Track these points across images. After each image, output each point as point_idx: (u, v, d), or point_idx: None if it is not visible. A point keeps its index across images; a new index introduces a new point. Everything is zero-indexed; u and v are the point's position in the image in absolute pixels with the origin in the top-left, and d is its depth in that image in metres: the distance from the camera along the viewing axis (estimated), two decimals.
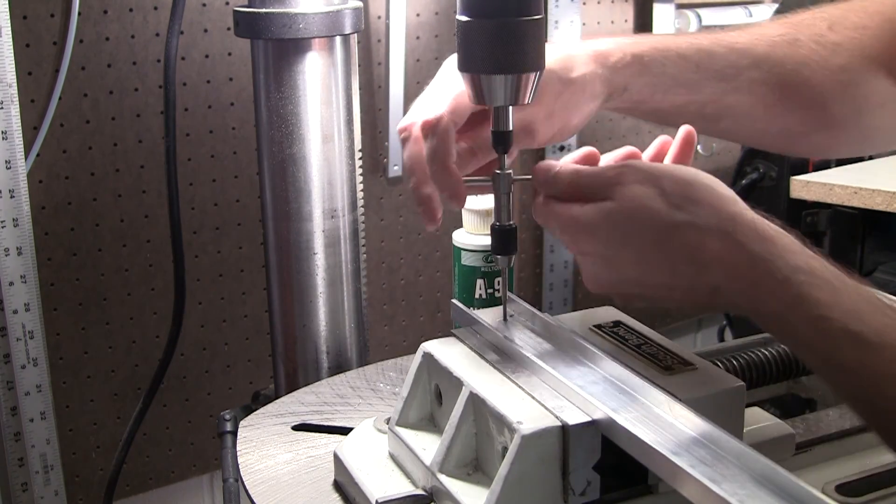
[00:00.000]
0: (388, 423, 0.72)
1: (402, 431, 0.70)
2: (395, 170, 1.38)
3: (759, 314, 0.61)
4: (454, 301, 0.79)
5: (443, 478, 0.64)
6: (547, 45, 0.73)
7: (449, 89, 0.74)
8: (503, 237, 0.73)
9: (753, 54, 0.82)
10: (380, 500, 0.65)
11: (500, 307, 0.75)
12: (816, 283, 0.59)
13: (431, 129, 0.72)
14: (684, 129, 0.75)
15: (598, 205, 0.64)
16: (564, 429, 0.60)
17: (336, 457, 0.73)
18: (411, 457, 0.68)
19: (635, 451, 0.57)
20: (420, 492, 0.66)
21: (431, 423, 0.71)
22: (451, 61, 0.74)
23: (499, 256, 0.74)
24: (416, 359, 0.72)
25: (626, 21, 1.57)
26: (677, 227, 0.61)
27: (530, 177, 0.72)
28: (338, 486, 0.73)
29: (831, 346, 0.58)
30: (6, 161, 1.08)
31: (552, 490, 0.60)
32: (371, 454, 0.72)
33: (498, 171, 0.72)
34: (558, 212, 0.67)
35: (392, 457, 0.72)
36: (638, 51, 0.78)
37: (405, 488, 0.67)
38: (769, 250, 0.60)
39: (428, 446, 0.67)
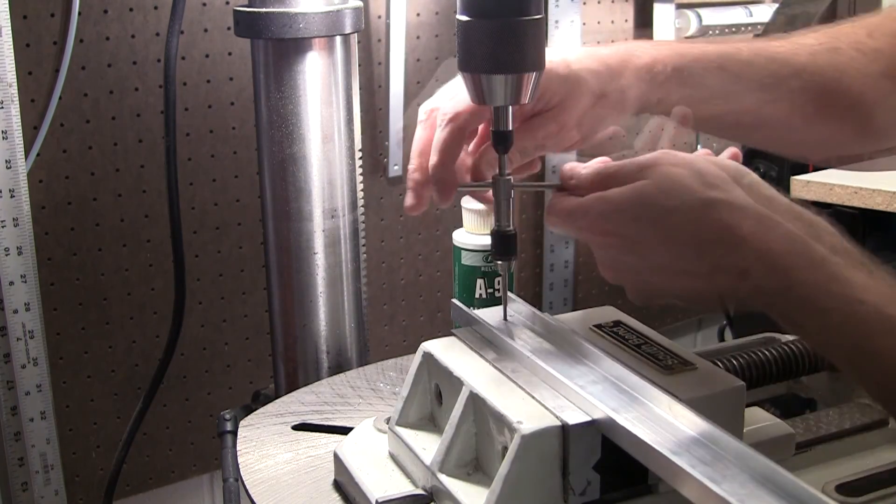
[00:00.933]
0: (388, 423, 0.72)
1: (402, 431, 0.70)
2: (395, 169, 1.38)
3: (790, 297, 0.60)
4: (454, 301, 0.79)
5: (443, 477, 0.64)
6: (584, 52, 0.73)
7: None
8: (503, 241, 0.73)
9: (794, 63, 0.80)
10: (380, 500, 0.65)
11: (500, 307, 0.75)
12: (853, 265, 0.59)
13: (448, 121, 0.72)
14: (679, 110, 0.75)
15: (632, 185, 0.64)
16: (564, 428, 0.60)
17: (336, 456, 0.73)
18: (411, 456, 0.68)
19: (635, 450, 0.57)
20: (420, 492, 0.66)
21: (431, 423, 0.71)
22: None
23: (499, 261, 0.74)
24: (416, 358, 0.72)
25: (626, 21, 1.57)
26: (712, 204, 0.61)
27: (530, 182, 0.72)
28: (338, 485, 0.73)
29: (864, 330, 0.57)
30: (6, 161, 1.08)
31: (552, 490, 0.60)
32: (371, 454, 0.72)
33: (498, 176, 0.72)
34: (583, 201, 0.66)
35: (392, 457, 0.72)
36: (679, 63, 0.77)
37: (405, 488, 0.67)
38: (806, 231, 0.60)
39: (428, 446, 0.67)
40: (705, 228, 0.61)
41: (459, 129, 0.72)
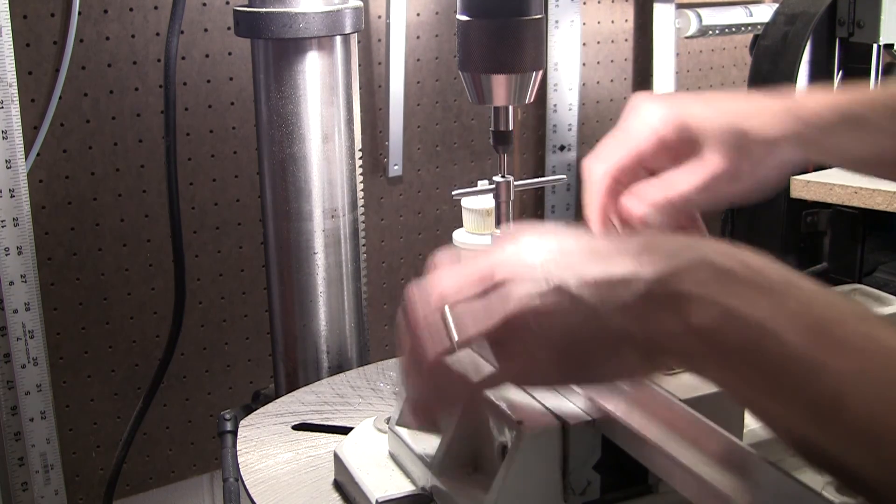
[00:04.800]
0: (388, 423, 0.72)
1: (402, 431, 0.70)
2: (395, 169, 1.38)
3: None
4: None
5: (443, 477, 0.64)
6: (746, 102, 0.72)
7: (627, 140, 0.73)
8: None
9: None
10: (380, 500, 0.65)
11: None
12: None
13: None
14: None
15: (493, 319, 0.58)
16: (565, 428, 0.60)
17: (336, 456, 0.73)
18: (411, 456, 0.68)
19: (635, 450, 0.57)
20: (420, 491, 0.66)
21: (431, 424, 0.71)
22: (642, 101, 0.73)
23: None
24: None
25: (626, 21, 1.57)
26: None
27: (532, 181, 0.72)
28: (338, 485, 0.73)
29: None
30: (6, 161, 1.08)
31: (552, 489, 0.60)
32: (371, 454, 0.72)
33: (499, 178, 0.72)
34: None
35: (392, 456, 0.71)
36: (846, 110, 0.73)
37: (405, 488, 0.67)
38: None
39: (428, 446, 0.67)
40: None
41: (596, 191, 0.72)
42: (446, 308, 0.59)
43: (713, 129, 0.72)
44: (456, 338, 0.58)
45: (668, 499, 0.61)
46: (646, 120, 0.73)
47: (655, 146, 0.72)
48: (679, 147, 0.73)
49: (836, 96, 0.75)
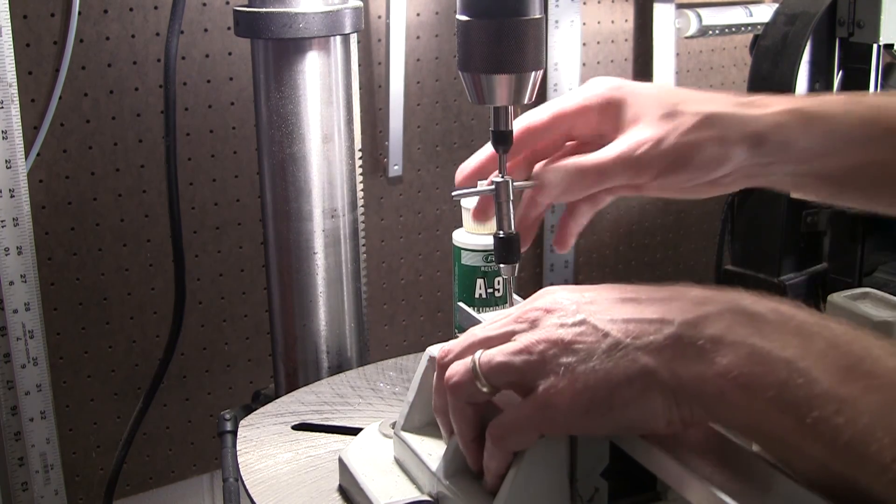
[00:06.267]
0: (393, 428, 0.72)
1: (407, 437, 0.69)
2: (395, 169, 1.38)
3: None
4: (461, 304, 0.78)
5: (449, 484, 0.63)
6: (700, 92, 0.70)
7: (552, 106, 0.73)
8: (506, 246, 0.73)
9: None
10: None
11: (505, 310, 0.74)
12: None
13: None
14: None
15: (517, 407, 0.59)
16: (572, 435, 0.59)
17: (341, 461, 0.72)
18: (417, 462, 0.67)
19: (643, 457, 0.57)
20: (426, 498, 0.65)
21: (437, 428, 0.69)
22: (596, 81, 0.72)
23: (502, 266, 0.73)
24: (422, 363, 0.70)
25: (626, 21, 1.57)
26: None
27: (533, 183, 0.72)
28: (342, 490, 0.72)
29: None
30: (6, 161, 1.08)
31: (560, 497, 0.60)
32: (376, 459, 0.71)
33: (499, 178, 0.72)
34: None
35: (398, 462, 0.70)
36: (796, 106, 0.70)
37: (411, 494, 0.66)
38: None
39: (434, 451, 0.66)
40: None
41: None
42: (478, 353, 0.59)
43: (646, 101, 0.70)
44: (484, 381, 0.58)
45: None
46: (582, 89, 0.72)
47: (577, 109, 0.71)
48: (606, 117, 0.71)
49: (795, 98, 0.73)
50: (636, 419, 0.54)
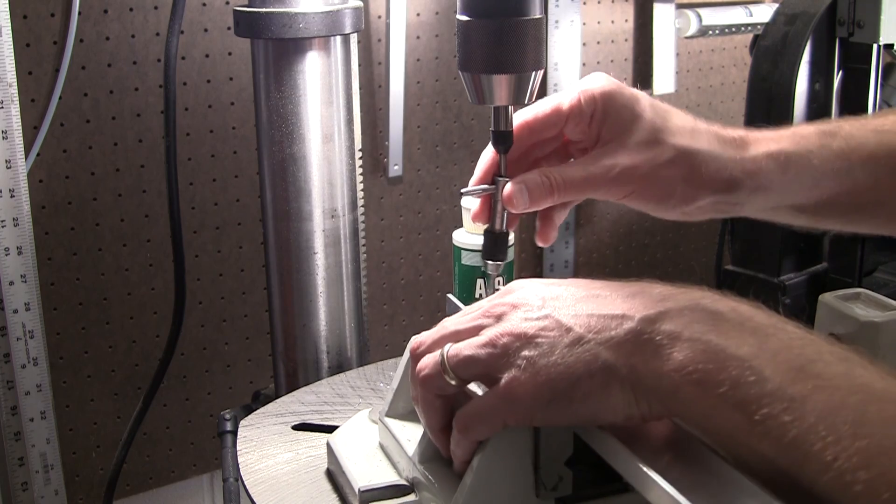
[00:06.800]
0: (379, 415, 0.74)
1: (390, 422, 0.71)
2: (395, 169, 1.38)
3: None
4: (449, 296, 0.79)
5: (423, 469, 0.65)
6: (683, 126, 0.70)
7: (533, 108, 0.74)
8: (494, 242, 0.74)
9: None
10: (362, 489, 0.66)
11: (478, 302, 0.75)
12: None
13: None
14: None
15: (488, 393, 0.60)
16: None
17: (328, 446, 0.74)
18: (397, 448, 0.69)
19: (600, 447, 0.58)
20: (402, 482, 0.67)
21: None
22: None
23: (489, 262, 0.74)
24: (406, 352, 0.72)
25: (626, 21, 1.57)
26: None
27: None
28: (329, 474, 0.74)
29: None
30: (6, 161, 1.08)
31: (524, 484, 0.61)
32: (362, 444, 0.73)
33: (499, 177, 0.72)
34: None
35: (381, 447, 0.73)
36: (780, 148, 0.72)
37: (391, 478, 0.68)
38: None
39: (413, 437, 0.69)
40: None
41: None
42: (446, 346, 0.61)
43: (632, 119, 0.70)
44: (452, 374, 0.60)
45: (643, 496, 0.61)
46: (579, 85, 0.72)
47: (570, 109, 0.71)
48: (593, 123, 0.71)
49: (783, 137, 0.73)
50: (596, 411, 0.56)
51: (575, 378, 0.55)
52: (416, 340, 0.65)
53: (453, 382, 0.60)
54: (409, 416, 0.72)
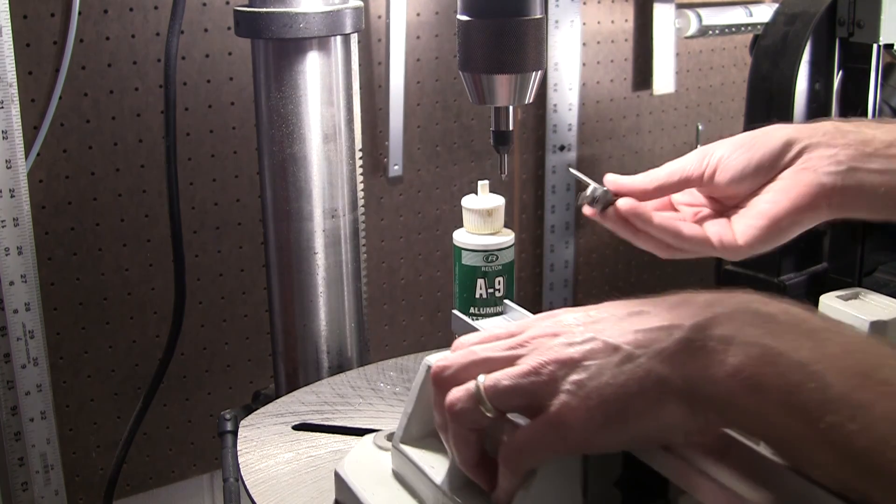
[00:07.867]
0: (389, 440, 0.70)
1: (407, 449, 0.67)
2: (395, 169, 1.38)
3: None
4: (455, 312, 0.78)
5: (454, 496, 0.61)
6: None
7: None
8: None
9: None
10: None
11: (501, 317, 0.74)
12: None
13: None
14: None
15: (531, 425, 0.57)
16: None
17: (337, 475, 0.70)
18: (419, 475, 0.65)
19: (658, 464, 0.55)
20: None
21: (437, 439, 0.66)
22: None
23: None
24: (420, 373, 0.68)
25: (626, 21, 1.57)
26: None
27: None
28: None
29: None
30: (6, 161, 1.08)
31: None
32: (374, 473, 0.69)
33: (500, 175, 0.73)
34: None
35: (396, 475, 0.69)
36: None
37: None
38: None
39: (436, 464, 0.65)
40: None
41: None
42: (480, 377, 0.58)
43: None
44: (489, 406, 0.57)
45: None
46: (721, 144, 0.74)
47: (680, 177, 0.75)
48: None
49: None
50: (652, 430, 0.53)
51: (628, 397, 0.52)
52: (438, 364, 0.61)
53: (490, 415, 0.57)
54: (426, 442, 0.67)
